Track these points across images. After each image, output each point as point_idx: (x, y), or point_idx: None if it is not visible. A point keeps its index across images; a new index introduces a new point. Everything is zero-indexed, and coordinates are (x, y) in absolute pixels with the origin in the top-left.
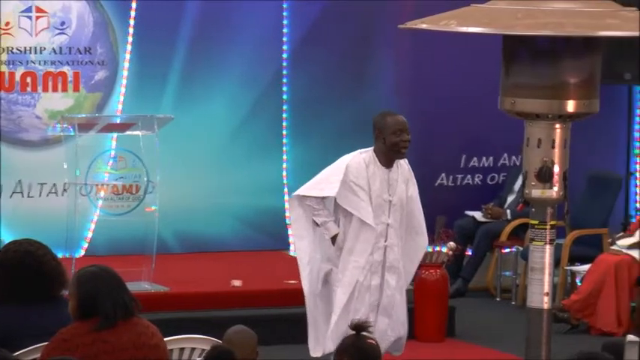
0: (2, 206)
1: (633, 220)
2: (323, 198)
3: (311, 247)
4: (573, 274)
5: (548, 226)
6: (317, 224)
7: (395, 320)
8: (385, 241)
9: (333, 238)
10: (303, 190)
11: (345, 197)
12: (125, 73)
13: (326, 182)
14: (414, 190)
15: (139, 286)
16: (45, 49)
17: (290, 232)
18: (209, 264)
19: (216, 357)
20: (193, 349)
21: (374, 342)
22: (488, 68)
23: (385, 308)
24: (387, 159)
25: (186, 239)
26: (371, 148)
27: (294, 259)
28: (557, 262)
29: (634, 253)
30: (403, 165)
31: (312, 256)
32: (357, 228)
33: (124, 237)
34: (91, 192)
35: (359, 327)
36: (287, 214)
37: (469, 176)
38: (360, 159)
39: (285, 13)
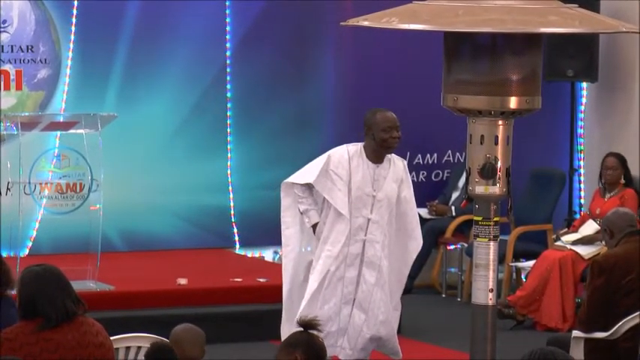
0: None
1: (577, 216)
2: (309, 186)
3: (296, 236)
4: (518, 270)
5: (491, 223)
6: (301, 212)
7: (372, 317)
8: (365, 235)
9: (314, 227)
10: (290, 178)
11: (324, 185)
12: (68, 71)
13: (309, 170)
14: (408, 192)
15: (84, 284)
16: None
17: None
18: (154, 262)
19: (158, 353)
20: (139, 347)
21: (322, 341)
22: (431, 65)
23: (360, 303)
24: (375, 155)
25: (131, 238)
26: (361, 143)
27: (239, 257)
28: (501, 259)
29: (578, 248)
30: (398, 164)
31: (298, 246)
32: (333, 218)
33: (68, 236)
34: (35, 191)
35: (308, 325)
36: (233, 211)
37: (413, 173)
38: (345, 150)
39: (227, 11)
